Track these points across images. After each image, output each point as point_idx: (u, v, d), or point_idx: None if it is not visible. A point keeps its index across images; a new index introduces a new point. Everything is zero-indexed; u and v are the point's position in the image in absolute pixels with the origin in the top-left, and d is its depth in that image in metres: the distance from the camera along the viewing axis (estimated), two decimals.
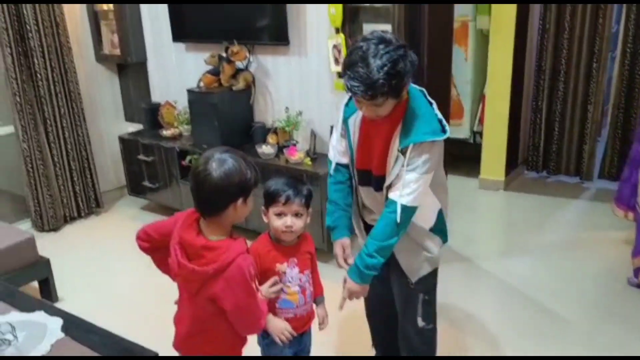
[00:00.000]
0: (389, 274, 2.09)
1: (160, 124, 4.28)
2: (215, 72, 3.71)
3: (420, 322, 2.06)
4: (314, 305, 2.04)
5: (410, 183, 1.76)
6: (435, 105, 1.82)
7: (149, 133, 4.27)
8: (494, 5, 4.13)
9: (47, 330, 2.01)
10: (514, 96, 4.40)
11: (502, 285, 3.21)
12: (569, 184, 4.71)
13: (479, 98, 4.92)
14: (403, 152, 1.75)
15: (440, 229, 2.00)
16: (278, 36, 3.47)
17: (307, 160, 3.41)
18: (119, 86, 4.70)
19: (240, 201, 1.61)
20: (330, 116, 3.48)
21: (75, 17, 4.28)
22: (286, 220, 1.87)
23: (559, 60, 4.48)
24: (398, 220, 1.78)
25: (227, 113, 3.66)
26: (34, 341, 1.94)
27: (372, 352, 2.48)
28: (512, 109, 4.41)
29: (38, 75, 3.91)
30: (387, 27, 2.92)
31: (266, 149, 3.52)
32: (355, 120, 1.92)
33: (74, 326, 2.08)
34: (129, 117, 4.74)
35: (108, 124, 4.66)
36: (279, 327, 1.86)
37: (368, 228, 2.02)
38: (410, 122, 1.75)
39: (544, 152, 4.75)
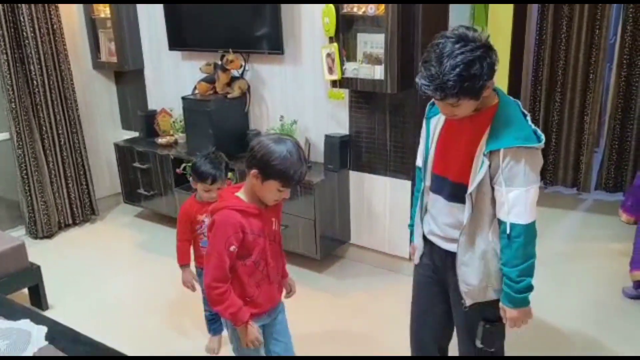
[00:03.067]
0: (443, 289, 1.99)
1: (156, 131, 4.28)
2: (211, 80, 3.71)
3: (479, 344, 1.91)
4: None
5: (519, 198, 1.66)
6: (529, 118, 1.73)
7: (144, 140, 4.27)
8: (490, 16, 4.13)
9: (31, 339, 1.99)
10: None
11: None
12: (565, 195, 4.69)
13: None
14: (489, 156, 1.66)
15: None
16: (273, 45, 3.47)
17: None
18: (116, 93, 4.71)
19: (255, 172, 1.75)
20: (325, 125, 3.47)
21: (72, 24, 4.29)
22: (211, 194, 2.42)
23: (556, 71, 4.47)
24: (524, 241, 1.68)
25: (222, 121, 3.66)
26: (17, 349, 1.92)
27: None
28: None
29: (34, 82, 3.91)
30: (381, 37, 2.92)
31: None
32: (437, 120, 1.86)
33: (59, 335, 2.06)
34: (126, 125, 4.74)
35: (104, 131, 4.66)
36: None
37: (426, 238, 1.97)
38: (500, 126, 1.66)
39: None
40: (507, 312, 1.80)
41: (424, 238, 2.00)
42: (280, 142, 1.76)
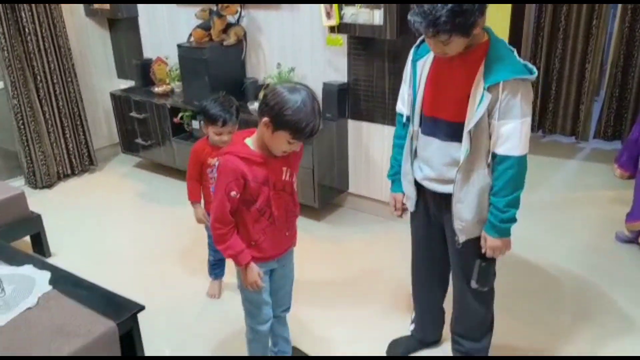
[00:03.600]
0: (440, 231, 2.04)
1: (152, 80, 4.22)
2: (206, 27, 3.64)
3: (474, 284, 1.97)
4: None
5: (514, 131, 1.70)
6: (516, 53, 1.75)
7: (140, 90, 4.22)
8: None
9: (35, 284, 2.04)
10: None
11: None
12: (564, 143, 4.69)
13: None
14: (489, 90, 1.68)
15: None
16: None
17: None
18: (110, 42, 4.62)
19: (267, 120, 1.70)
20: (324, 72, 3.43)
21: None
22: (222, 137, 2.40)
23: (559, 18, 4.39)
24: (516, 173, 1.74)
25: (218, 69, 3.60)
26: (22, 294, 1.97)
27: (408, 315, 2.44)
28: None
29: (26, 29, 3.83)
30: None
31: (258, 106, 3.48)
32: (424, 63, 1.85)
33: (62, 280, 2.11)
34: (121, 74, 4.68)
35: (100, 80, 4.60)
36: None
37: (418, 185, 1.99)
38: (495, 63, 1.69)
39: (540, 112, 4.71)
40: (489, 240, 1.86)
41: (416, 184, 2.00)
42: (295, 91, 1.70)
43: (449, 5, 1.52)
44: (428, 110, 1.86)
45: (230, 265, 2.49)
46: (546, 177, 4.06)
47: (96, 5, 4.30)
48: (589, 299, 2.71)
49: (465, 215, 1.86)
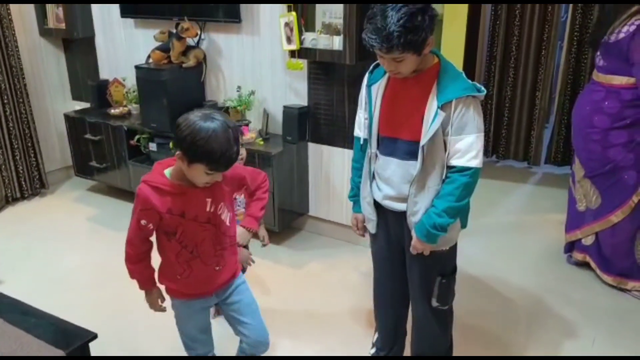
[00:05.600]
0: (401, 252, 2.06)
1: (108, 102, 4.14)
2: (165, 49, 3.61)
3: (434, 303, 2.01)
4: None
5: (472, 145, 1.77)
6: (464, 74, 1.84)
7: (96, 111, 4.12)
8: None
9: None
10: None
11: None
12: (517, 168, 4.84)
13: None
14: (443, 109, 1.74)
15: (463, 210, 1.93)
16: (230, 13, 3.39)
17: (260, 141, 3.37)
18: (65, 62, 4.52)
19: (179, 153, 1.65)
20: (284, 95, 3.44)
21: None
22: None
23: (510, 47, 4.56)
24: (470, 182, 1.79)
25: (177, 91, 3.57)
26: None
27: (369, 336, 2.45)
28: None
29: None
30: (340, 7, 2.89)
31: None
32: (378, 87, 1.92)
33: (8, 308, 2.00)
34: (76, 95, 4.57)
35: (54, 101, 4.47)
36: (242, 257, 2.08)
37: (378, 206, 2.01)
38: (446, 82, 1.76)
39: (493, 138, 4.85)
40: (414, 241, 1.89)
41: (376, 205, 2.02)
42: (208, 119, 1.60)
43: (401, 21, 1.60)
44: (385, 131, 1.91)
45: None
46: (501, 200, 4.17)
47: (51, 25, 4.21)
48: (542, 319, 2.76)
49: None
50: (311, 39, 3.05)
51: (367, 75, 1.98)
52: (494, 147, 4.89)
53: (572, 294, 2.98)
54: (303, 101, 3.39)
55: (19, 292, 2.30)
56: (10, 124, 4.00)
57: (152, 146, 3.78)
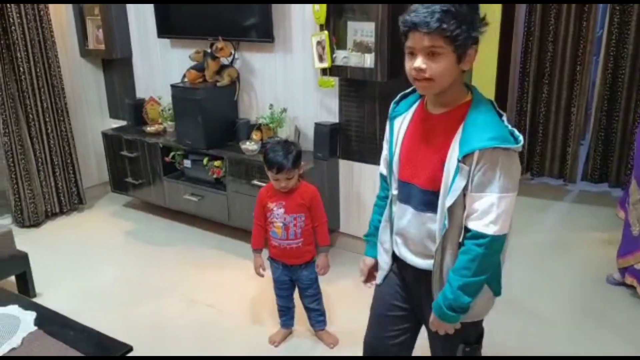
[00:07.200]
0: (412, 311, 1.82)
1: (144, 120, 4.25)
2: (200, 68, 3.69)
3: None
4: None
5: (492, 207, 1.46)
6: (505, 118, 1.53)
7: (132, 129, 4.24)
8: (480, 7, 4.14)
9: (20, 324, 1.99)
10: (499, 100, 4.41)
11: None
12: (552, 186, 4.74)
13: None
14: (464, 161, 1.46)
15: (493, 275, 1.61)
16: (263, 33, 3.46)
17: None
18: (104, 81, 4.67)
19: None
20: (315, 112, 3.47)
21: (60, 11, 4.24)
22: (280, 183, 2.43)
23: (544, 64, 4.51)
24: (485, 254, 1.49)
25: (211, 109, 3.64)
26: (6, 334, 1.92)
27: None
28: None
29: (20, 68, 3.86)
30: (371, 25, 2.92)
31: (250, 146, 3.50)
32: (402, 122, 1.66)
33: (48, 320, 2.06)
34: (114, 113, 4.71)
35: (92, 119, 4.62)
36: (255, 264, 2.59)
37: (398, 260, 1.76)
38: (474, 126, 1.47)
39: (528, 155, 4.78)
40: (432, 317, 1.64)
41: (394, 256, 1.79)
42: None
43: (446, 6, 1.41)
44: (402, 175, 1.66)
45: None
46: (536, 219, 4.09)
47: (91, 46, 4.36)
48: (582, 341, 2.69)
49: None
50: (342, 57, 3.08)
51: (392, 105, 1.74)
52: (528, 164, 4.81)
53: (614, 315, 2.89)
54: (334, 118, 3.41)
55: (57, 304, 2.37)
56: (51, 141, 4.14)
57: (187, 163, 3.86)
